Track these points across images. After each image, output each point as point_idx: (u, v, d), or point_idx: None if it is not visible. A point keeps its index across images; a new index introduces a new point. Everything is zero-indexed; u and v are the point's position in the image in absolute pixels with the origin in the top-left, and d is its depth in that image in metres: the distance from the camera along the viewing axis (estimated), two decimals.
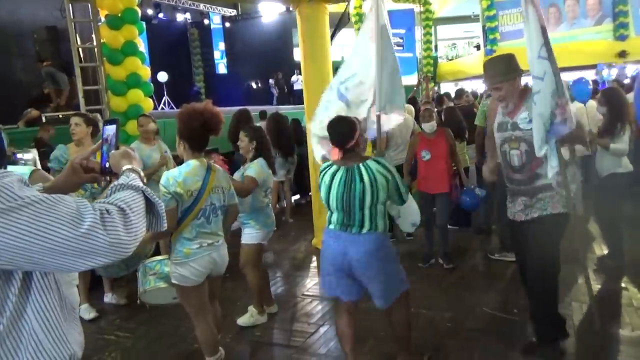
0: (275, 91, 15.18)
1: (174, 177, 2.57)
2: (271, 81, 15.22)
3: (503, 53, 2.83)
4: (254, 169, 3.43)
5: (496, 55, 3.05)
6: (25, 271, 1.01)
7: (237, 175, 3.49)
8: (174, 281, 2.67)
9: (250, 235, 3.56)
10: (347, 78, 3.52)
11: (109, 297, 4.20)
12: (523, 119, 2.72)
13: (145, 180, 1.24)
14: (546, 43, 2.54)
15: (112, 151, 1.31)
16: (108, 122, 1.39)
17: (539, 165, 2.71)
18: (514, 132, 2.78)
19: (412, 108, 6.54)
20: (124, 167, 1.25)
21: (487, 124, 3.57)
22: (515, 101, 2.75)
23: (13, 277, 1.00)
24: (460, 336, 3.31)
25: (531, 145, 2.66)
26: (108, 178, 1.34)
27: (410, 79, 12.12)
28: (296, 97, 13.57)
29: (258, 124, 6.30)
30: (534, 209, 2.77)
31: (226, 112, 4.85)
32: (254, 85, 15.89)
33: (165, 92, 13.71)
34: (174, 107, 13.24)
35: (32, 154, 2.71)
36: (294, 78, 14.89)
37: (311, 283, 4.55)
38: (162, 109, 13.21)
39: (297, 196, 7.46)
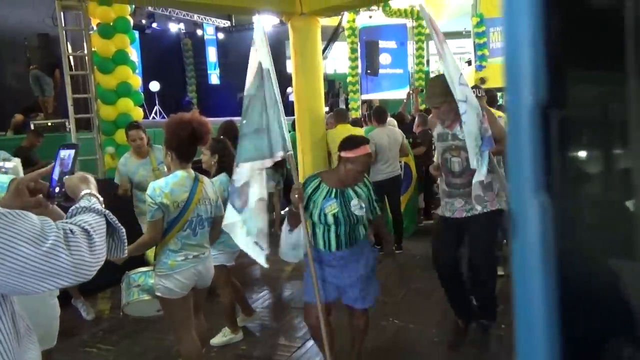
0: None
1: (160, 188, 2.54)
2: None
3: (441, 75, 3.11)
4: (215, 187, 3.09)
5: (436, 76, 3.39)
6: None
7: None
8: (158, 293, 2.63)
9: (214, 257, 3.22)
10: (269, 141, 2.82)
11: (79, 305, 4.02)
12: (459, 131, 3.06)
13: (103, 206, 1.20)
14: (462, 74, 2.92)
15: (68, 176, 1.27)
16: (65, 146, 1.35)
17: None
18: (454, 142, 3.12)
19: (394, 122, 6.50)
20: (83, 192, 1.21)
21: None
22: (452, 117, 3.07)
23: None
24: (445, 351, 3.29)
25: None
26: (55, 203, 1.29)
27: (401, 93, 12.22)
28: (290, 109, 13.61)
29: None
30: (475, 207, 3.05)
31: (217, 123, 4.83)
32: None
33: (157, 102, 13.68)
34: (165, 116, 13.20)
35: (14, 163, 2.67)
36: (289, 90, 14.97)
37: (299, 296, 4.51)
38: (154, 118, 13.17)
39: (287, 208, 7.43)
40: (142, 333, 3.69)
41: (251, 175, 2.79)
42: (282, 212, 7.04)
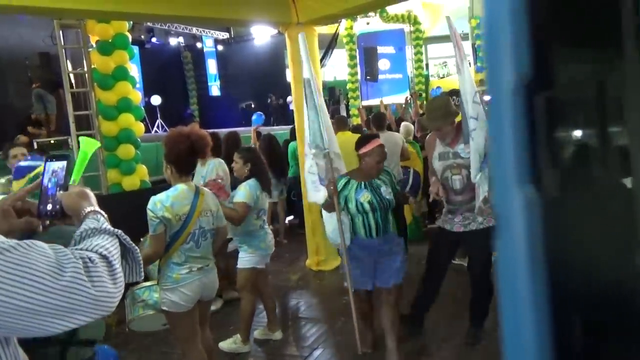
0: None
1: (161, 202, 2.55)
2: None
3: (441, 97, 3.42)
4: (243, 192, 3.35)
5: (434, 99, 3.63)
6: None
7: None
8: (164, 307, 2.63)
9: (244, 259, 3.48)
10: (313, 139, 3.43)
11: None
12: (462, 149, 3.20)
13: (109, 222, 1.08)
14: (477, 92, 3.10)
15: (63, 192, 1.13)
16: (55, 157, 1.20)
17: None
18: (455, 160, 3.25)
19: (410, 126, 6.56)
20: (87, 209, 1.07)
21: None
22: (452, 136, 3.23)
23: None
24: (453, 354, 3.27)
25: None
26: (47, 222, 1.14)
27: (401, 98, 12.23)
28: (291, 118, 13.65)
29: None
30: (473, 223, 3.22)
31: (219, 135, 4.85)
32: (252, 106, 15.96)
33: (158, 115, 13.75)
34: (167, 130, 13.26)
35: (6, 180, 2.66)
36: (289, 99, 15.02)
37: (305, 305, 4.50)
38: (156, 132, 13.23)
39: (291, 217, 7.42)
40: (149, 348, 3.69)
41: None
42: (286, 222, 7.06)
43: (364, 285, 3.15)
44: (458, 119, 3.28)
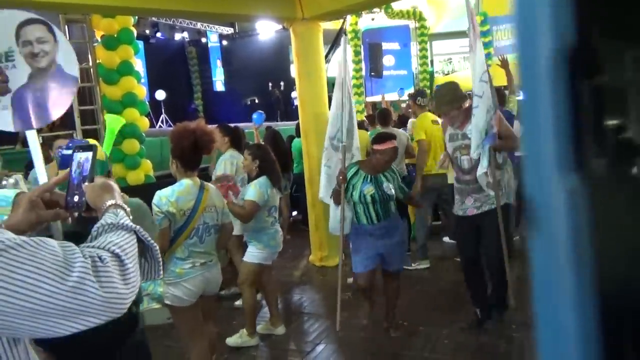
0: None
1: (166, 197, 2.57)
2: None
3: (449, 83, 3.55)
4: (253, 191, 3.35)
5: (442, 85, 3.74)
6: None
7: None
8: (167, 302, 2.65)
9: (251, 254, 3.50)
10: (335, 133, 3.86)
11: None
12: (470, 130, 3.32)
13: (130, 217, 1.04)
14: (487, 71, 3.23)
15: (87, 183, 1.11)
16: (80, 148, 1.18)
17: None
18: (464, 141, 3.40)
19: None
20: (108, 203, 1.04)
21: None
22: (461, 119, 3.39)
23: None
24: (456, 353, 3.28)
25: None
26: (75, 214, 1.13)
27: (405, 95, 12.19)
28: (294, 113, 13.65)
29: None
30: (485, 204, 3.33)
31: None
32: (256, 101, 15.96)
33: (163, 110, 13.77)
34: (171, 124, 13.27)
35: (15, 179, 2.69)
36: (294, 94, 15.01)
37: (308, 301, 4.51)
38: (160, 126, 13.25)
39: (295, 212, 7.44)
40: (152, 341, 3.69)
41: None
42: (291, 217, 7.07)
43: (365, 267, 3.37)
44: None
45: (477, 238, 3.46)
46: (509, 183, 3.42)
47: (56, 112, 2.66)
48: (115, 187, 1.12)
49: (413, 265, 4.89)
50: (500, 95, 5.46)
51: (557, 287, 0.36)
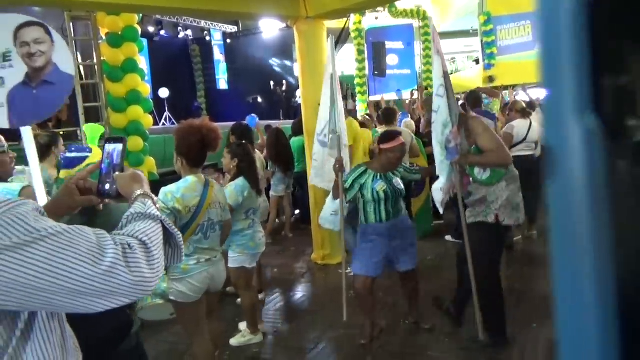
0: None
1: (172, 193, 2.58)
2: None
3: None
4: (228, 192, 3.22)
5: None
6: (30, 312, 0.91)
7: None
8: (171, 297, 2.66)
9: (232, 258, 3.43)
10: (322, 129, 3.83)
11: None
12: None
13: (157, 206, 1.13)
14: (446, 84, 3.15)
15: (118, 173, 1.21)
16: (111, 139, 1.28)
17: (468, 183, 3.22)
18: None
19: (411, 122, 6.60)
20: (137, 192, 1.13)
21: None
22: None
23: (18, 317, 0.89)
24: (459, 351, 3.28)
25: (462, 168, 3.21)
26: (107, 201, 1.24)
27: (408, 94, 12.19)
28: (294, 112, 13.67)
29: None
30: (470, 217, 3.23)
31: (226, 128, 4.87)
32: (259, 99, 15.97)
33: (166, 108, 13.79)
34: (175, 122, 13.30)
35: (28, 174, 2.75)
36: (297, 93, 15.02)
37: (310, 298, 4.53)
38: (164, 124, 13.28)
39: (297, 211, 7.46)
40: (156, 337, 3.73)
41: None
42: (294, 215, 7.09)
43: (371, 272, 3.28)
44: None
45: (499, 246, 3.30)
46: (489, 200, 3.11)
47: (52, 108, 2.81)
48: (144, 177, 1.21)
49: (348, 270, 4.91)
50: (475, 98, 5.50)
51: (574, 234, 0.35)
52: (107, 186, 1.21)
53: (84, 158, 3.55)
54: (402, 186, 3.35)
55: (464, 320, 3.46)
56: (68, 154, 3.60)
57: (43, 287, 0.82)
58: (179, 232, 1.10)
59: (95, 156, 3.90)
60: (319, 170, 3.88)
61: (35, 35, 2.63)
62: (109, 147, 1.25)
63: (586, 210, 0.34)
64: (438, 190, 3.30)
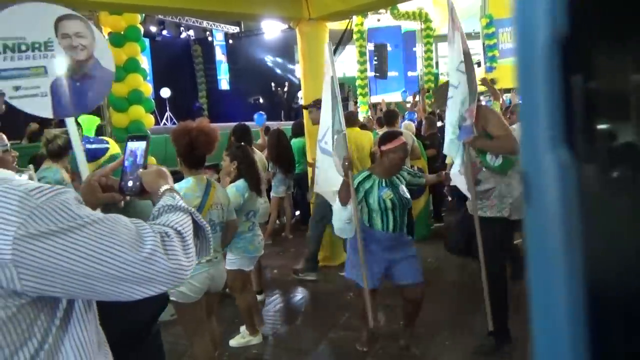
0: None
1: None
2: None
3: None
4: (230, 194, 3.14)
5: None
6: (68, 299, 0.91)
7: None
8: (172, 298, 2.66)
9: (230, 261, 3.41)
10: (323, 134, 3.57)
11: None
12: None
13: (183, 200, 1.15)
14: (467, 62, 3.05)
15: (144, 170, 1.22)
16: (134, 137, 1.29)
17: (477, 172, 3.11)
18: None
19: (411, 124, 6.61)
20: (164, 187, 1.15)
21: None
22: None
23: (57, 306, 0.89)
24: (458, 354, 3.28)
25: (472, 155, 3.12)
26: (128, 198, 1.25)
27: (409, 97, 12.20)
28: (295, 113, 13.68)
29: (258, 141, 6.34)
30: (480, 210, 3.12)
31: (226, 128, 4.87)
32: (260, 100, 16.00)
33: (167, 108, 13.82)
34: (176, 122, 13.33)
35: (28, 174, 2.74)
36: (299, 94, 15.03)
37: (309, 300, 4.52)
38: (165, 124, 13.32)
39: (298, 212, 7.46)
40: None
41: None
42: (294, 216, 7.09)
43: (370, 283, 3.14)
44: None
45: (507, 241, 3.24)
46: (502, 194, 3.04)
47: (94, 102, 2.87)
48: (168, 173, 1.23)
49: (301, 275, 4.92)
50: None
51: (549, 259, 0.38)
52: (130, 183, 1.21)
53: (106, 149, 3.62)
54: (409, 195, 3.16)
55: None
56: (89, 146, 3.64)
57: (86, 272, 0.84)
58: (207, 225, 1.11)
59: (114, 147, 3.94)
60: (320, 177, 3.63)
61: (76, 29, 2.67)
62: (132, 144, 1.26)
63: (558, 231, 0.38)
64: (458, 174, 3.14)
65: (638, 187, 0.39)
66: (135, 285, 0.88)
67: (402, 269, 3.14)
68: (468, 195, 3.18)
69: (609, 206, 0.39)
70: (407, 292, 3.20)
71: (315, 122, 4.48)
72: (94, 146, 3.79)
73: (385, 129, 5.38)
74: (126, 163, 1.24)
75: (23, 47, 2.54)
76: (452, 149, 3.12)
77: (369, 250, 3.14)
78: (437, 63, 16.28)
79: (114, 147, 4.00)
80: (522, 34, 0.39)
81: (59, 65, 2.62)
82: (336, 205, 3.26)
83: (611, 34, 0.37)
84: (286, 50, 15.77)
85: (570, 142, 0.37)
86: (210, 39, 16.54)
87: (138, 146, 1.25)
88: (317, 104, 4.32)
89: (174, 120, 13.62)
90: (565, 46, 0.37)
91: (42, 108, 2.63)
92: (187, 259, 0.95)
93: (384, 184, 3.09)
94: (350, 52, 12.91)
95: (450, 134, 3.08)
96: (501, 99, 8.21)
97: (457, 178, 3.16)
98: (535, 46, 0.38)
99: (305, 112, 5.40)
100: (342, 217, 3.22)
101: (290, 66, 15.79)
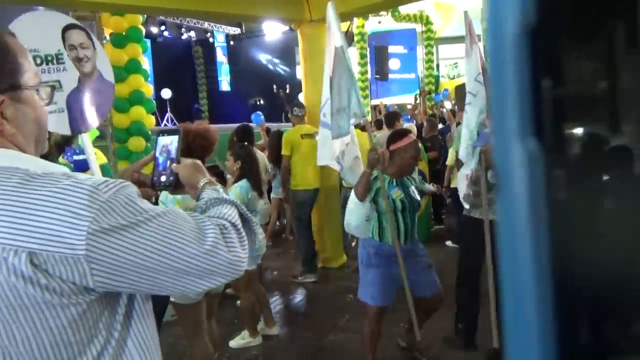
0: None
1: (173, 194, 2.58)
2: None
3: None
4: (233, 194, 3.21)
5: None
6: (128, 296, 0.90)
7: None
8: (172, 299, 2.66)
9: None
10: (322, 105, 3.31)
11: None
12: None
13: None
14: (485, 77, 3.11)
15: (178, 164, 1.19)
16: (165, 132, 1.27)
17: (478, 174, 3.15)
18: None
19: (413, 126, 6.61)
20: (203, 180, 1.12)
21: None
22: None
23: (117, 303, 0.88)
24: (455, 357, 3.28)
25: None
26: (159, 193, 1.23)
27: (409, 98, 12.21)
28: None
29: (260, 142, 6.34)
30: (473, 210, 3.17)
31: (226, 129, 4.88)
32: (261, 101, 16.02)
33: (168, 109, 13.84)
34: (176, 123, 13.36)
35: None
36: (300, 96, 15.03)
37: (310, 302, 4.52)
38: (165, 125, 13.33)
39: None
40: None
41: (342, 147, 3.16)
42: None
43: (384, 301, 2.97)
44: None
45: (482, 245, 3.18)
46: (493, 200, 3.07)
47: (102, 115, 2.77)
48: (203, 167, 1.20)
49: (300, 279, 4.92)
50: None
51: (518, 244, 0.39)
52: (164, 178, 1.19)
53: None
54: (419, 197, 3.03)
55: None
56: (76, 157, 3.58)
57: (152, 266, 0.83)
58: (253, 218, 1.09)
59: (100, 157, 3.89)
60: (320, 150, 3.39)
61: (80, 40, 2.59)
62: (163, 139, 1.24)
63: (526, 220, 0.39)
64: (463, 177, 3.14)
65: (604, 176, 0.40)
66: (197, 279, 0.88)
67: (420, 282, 3.01)
68: (464, 203, 3.23)
69: (575, 195, 0.40)
70: (426, 304, 3.09)
71: (296, 124, 4.88)
72: (81, 157, 3.71)
73: (383, 131, 5.39)
74: (159, 158, 1.22)
75: (38, 60, 2.45)
76: (467, 154, 3.13)
77: (380, 269, 2.93)
78: (437, 65, 16.30)
79: (100, 157, 3.90)
80: (493, 24, 0.39)
81: (71, 78, 2.54)
82: (351, 202, 2.98)
83: (580, 24, 0.38)
84: (287, 52, 15.79)
85: (538, 133, 0.38)
86: (211, 40, 16.57)
87: (171, 140, 1.24)
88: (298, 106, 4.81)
89: (175, 121, 13.64)
90: (533, 36, 0.37)
91: (61, 125, 2.54)
92: (244, 251, 0.95)
93: (394, 183, 2.96)
94: (352, 54, 12.93)
95: (467, 139, 3.09)
96: None
97: (461, 181, 3.20)
98: (506, 36, 0.38)
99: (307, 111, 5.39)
100: (360, 214, 2.94)
101: (291, 68, 15.81)
